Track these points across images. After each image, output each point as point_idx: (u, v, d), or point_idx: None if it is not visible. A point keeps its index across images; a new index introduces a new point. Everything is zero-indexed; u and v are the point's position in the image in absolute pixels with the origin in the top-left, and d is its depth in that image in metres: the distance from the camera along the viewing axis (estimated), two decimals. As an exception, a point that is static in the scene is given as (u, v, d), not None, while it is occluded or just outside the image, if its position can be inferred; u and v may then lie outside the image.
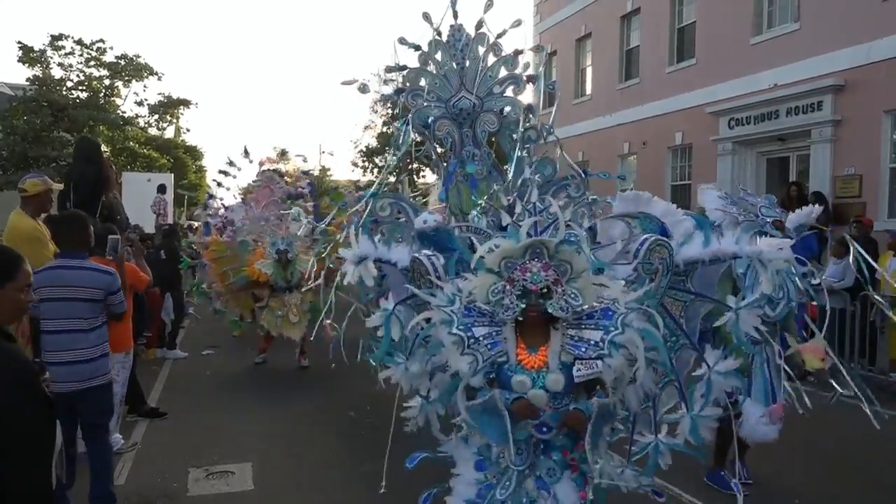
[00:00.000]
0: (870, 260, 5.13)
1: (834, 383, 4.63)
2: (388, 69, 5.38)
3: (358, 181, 25.72)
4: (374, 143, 32.20)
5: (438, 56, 5.36)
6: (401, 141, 5.79)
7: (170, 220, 17.33)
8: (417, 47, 5.39)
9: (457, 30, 5.38)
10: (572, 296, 2.77)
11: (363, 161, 32.69)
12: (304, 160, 12.63)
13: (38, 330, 4.36)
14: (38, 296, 4.25)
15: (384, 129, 31.56)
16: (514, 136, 5.56)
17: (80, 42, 27.46)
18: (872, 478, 5.43)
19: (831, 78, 12.41)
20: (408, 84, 5.41)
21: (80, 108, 26.37)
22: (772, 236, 4.75)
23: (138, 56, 29.20)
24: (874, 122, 11.80)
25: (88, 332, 4.36)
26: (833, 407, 4.75)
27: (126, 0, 77.74)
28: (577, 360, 2.73)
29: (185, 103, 31.87)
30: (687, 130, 16.39)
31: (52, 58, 27.11)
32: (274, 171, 11.15)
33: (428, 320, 2.98)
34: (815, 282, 4.89)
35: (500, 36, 5.48)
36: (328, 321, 5.17)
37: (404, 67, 5.37)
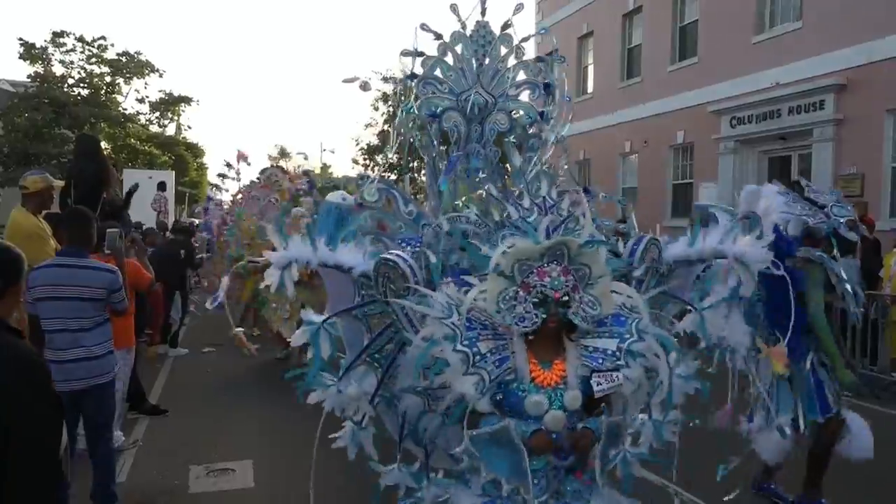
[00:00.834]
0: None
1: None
2: (405, 52, 5.35)
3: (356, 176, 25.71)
4: (375, 140, 32.17)
5: (459, 49, 5.34)
6: (401, 131, 5.71)
7: (171, 218, 17.35)
8: (439, 36, 5.37)
9: (482, 26, 5.38)
10: (590, 304, 2.50)
11: (364, 159, 32.69)
12: (306, 158, 12.71)
13: (36, 328, 4.35)
14: (39, 294, 4.26)
15: (385, 127, 31.55)
16: (514, 139, 5.57)
17: (81, 39, 27.50)
18: (874, 479, 5.42)
19: (833, 77, 12.40)
20: (423, 70, 5.39)
21: (82, 104, 26.42)
22: (846, 239, 4.58)
23: (140, 53, 29.29)
24: (876, 122, 11.78)
25: (91, 329, 4.35)
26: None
27: (127, -3, 77.78)
28: (595, 373, 2.45)
29: (187, 100, 31.91)
30: (688, 129, 16.38)
31: (53, 55, 27.19)
32: (277, 167, 11.20)
33: (411, 339, 2.58)
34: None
35: (524, 40, 5.48)
36: (239, 330, 5.22)
37: (422, 53, 5.35)
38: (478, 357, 2.41)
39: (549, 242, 2.49)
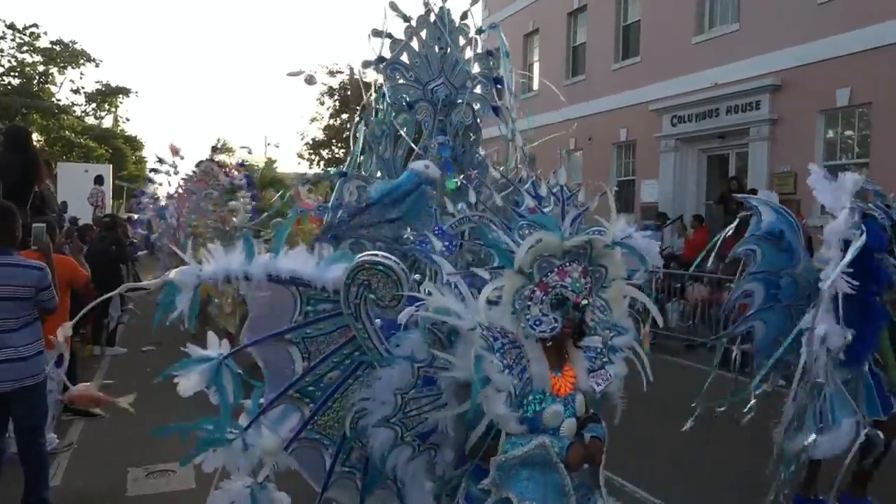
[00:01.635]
0: None
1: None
2: (374, 32, 5.22)
3: (304, 174, 25.42)
4: (320, 135, 31.84)
5: (423, 34, 5.25)
6: (373, 121, 5.57)
7: (108, 213, 16.83)
8: (407, 18, 5.26)
9: (446, 13, 5.28)
10: (601, 308, 2.38)
11: (310, 153, 32.31)
12: (249, 152, 12.49)
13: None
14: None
15: (331, 122, 31.26)
16: (472, 135, 5.53)
17: (11, 27, 26.52)
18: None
19: (769, 78, 12.80)
20: (390, 55, 5.26)
21: (12, 95, 25.43)
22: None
23: (74, 42, 28.42)
24: (808, 122, 12.22)
25: (19, 329, 4.16)
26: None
27: (61, -17, 75.01)
28: (590, 374, 2.38)
29: (125, 92, 31.11)
30: (631, 127, 16.70)
31: (-19, 42, 26.02)
32: (213, 161, 10.95)
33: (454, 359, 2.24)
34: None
35: (478, 32, 5.42)
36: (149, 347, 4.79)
37: (390, 36, 5.24)
38: (505, 370, 2.20)
39: (578, 240, 2.26)
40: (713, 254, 5.14)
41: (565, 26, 19.49)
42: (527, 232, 2.30)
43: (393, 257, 2.26)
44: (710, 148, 15.05)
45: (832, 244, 3.27)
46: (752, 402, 4.19)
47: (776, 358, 3.74)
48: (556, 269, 2.22)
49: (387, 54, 5.16)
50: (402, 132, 5.12)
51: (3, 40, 26.42)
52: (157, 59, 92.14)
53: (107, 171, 20.10)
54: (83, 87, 30.08)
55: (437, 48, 5.20)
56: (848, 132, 12.05)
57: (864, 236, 3.19)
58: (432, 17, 5.22)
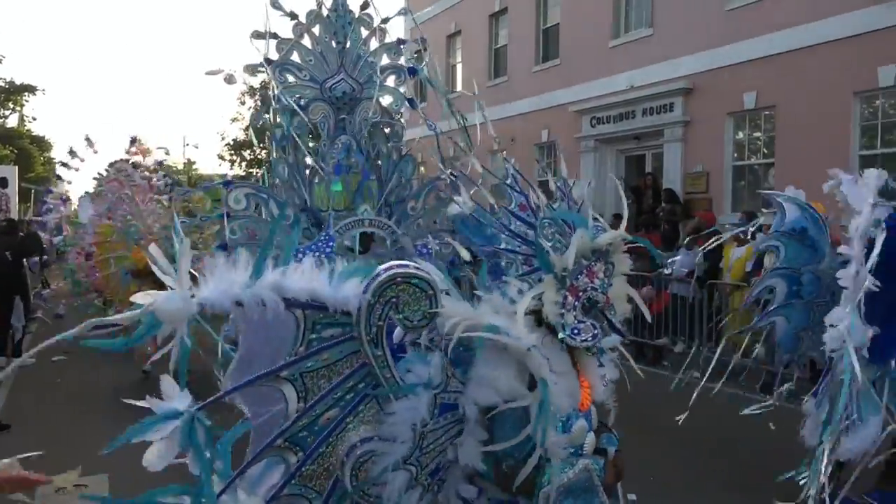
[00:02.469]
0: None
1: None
2: (256, 34, 4.93)
3: (226, 175, 24.83)
4: (241, 135, 31.16)
5: (316, 30, 5.00)
6: (260, 122, 5.39)
7: (13, 216, 15.97)
8: (294, 16, 5.00)
9: (340, 5, 5.05)
10: (610, 308, 2.19)
11: (231, 154, 31.60)
12: (167, 153, 12.05)
13: None
14: None
15: (253, 122, 30.56)
16: (387, 130, 5.40)
17: None
18: (728, 454, 5.86)
19: (681, 81, 13.29)
20: (278, 55, 4.98)
21: None
22: None
23: (-26, 37, 26.74)
24: (718, 124, 12.76)
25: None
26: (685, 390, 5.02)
27: (-41, -26, 70.74)
28: None
29: (31, 89, 29.67)
30: (553, 128, 17.03)
31: None
32: (127, 161, 10.53)
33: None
34: (666, 271, 5.08)
35: (385, 21, 5.20)
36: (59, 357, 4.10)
37: (275, 36, 4.96)
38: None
39: (610, 237, 2.10)
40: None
41: (487, 28, 19.71)
42: (550, 231, 2.13)
43: (428, 266, 1.93)
44: (627, 148, 15.51)
45: (854, 241, 3.14)
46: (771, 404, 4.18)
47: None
48: (584, 271, 2.07)
49: (279, 55, 4.91)
50: (295, 136, 4.91)
51: None
52: (67, 56, 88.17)
53: (11, 172, 19.06)
54: (-16, 85, 28.54)
55: (334, 43, 4.96)
56: (756, 133, 12.64)
57: (884, 233, 3.10)
58: (325, 12, 4.97)
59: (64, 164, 10.63)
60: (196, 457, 1.72)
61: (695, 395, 4.11)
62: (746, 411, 4.27)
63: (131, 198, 9.44)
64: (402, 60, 5.24)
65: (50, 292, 12.40)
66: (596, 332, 2.07)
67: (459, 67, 21.54)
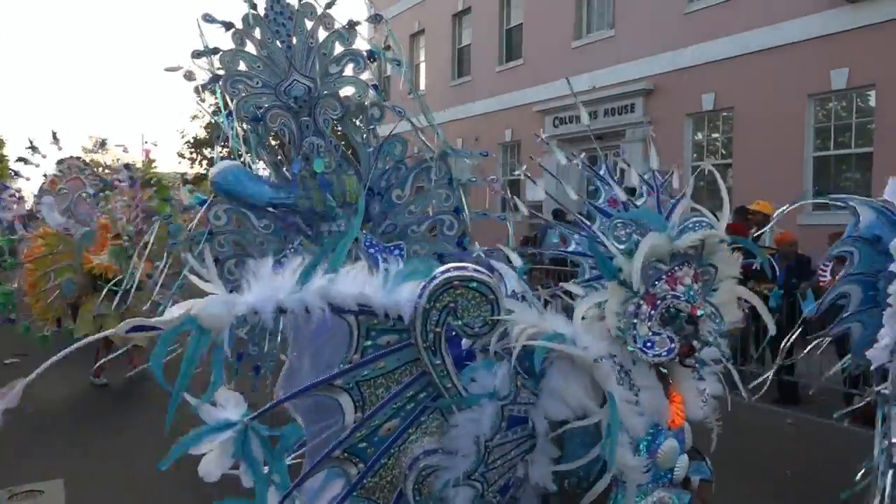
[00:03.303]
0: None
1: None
2: (196, 53, 4.77)
3: (185, 173, 24.45)
4: (202, 133, 30.69)
5: (257, 34, 4.82)
6: (224, 136, 5.32)
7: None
8: (229, 25, 4.80)
9: (275, 1, 4.86)
10: (713, 316, 1.97)
11: (191, 152, 31.10)
12: (125, 150, 11.81)
13: None
14: None
15: (213, 120, 30.12)
16: (359, 121, 5.24)
17: None
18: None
19: (642, 82, 13.49)
20: (224, 70, 4.83)
21: None
22: None
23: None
24: (678, 124, 12.97)
25: None
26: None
27: None
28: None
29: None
30: (516, 128, 17.12)
31: None
32: (77, 158, 10.24)
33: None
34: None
35: (329, 6, 5.00)
36: (13, 359, 3.68)
37: (216, 50, 4.79)
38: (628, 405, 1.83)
39: (692, 238, 1.87)
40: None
41: (450, 27, 19.73)
42: (624, 232, 1.92)
43: (485, 270, 1.77)
44: (590, 148, 15.66)
45: None
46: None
47: None
48: (664, 277, 1.85)
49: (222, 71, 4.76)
50: (251, 147, 4.81)
51: None
52: (19, 50, 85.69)
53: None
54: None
55: (279, 43, 4.80)
56: (714, 134, 12.87)
57: None
58: (262, 11, 4.81)
59: (23, 160, 10.26)
60: (249, 468, 1.63)
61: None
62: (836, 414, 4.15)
63: (92, 196, 9.22)
64: (358, 44, 5.02)
65: None
66: (673, 346, 1.83)
67: (423, 66, 21.52)
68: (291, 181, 4.83)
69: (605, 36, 14.60)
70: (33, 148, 10.13)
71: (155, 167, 31.01)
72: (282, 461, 1.71)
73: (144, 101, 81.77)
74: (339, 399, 1.75)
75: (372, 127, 5.14)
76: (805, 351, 4.27)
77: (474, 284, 1.68)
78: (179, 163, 31.17)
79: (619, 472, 1.77)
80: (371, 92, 5.07)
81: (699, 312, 1.86)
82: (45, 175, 10.85)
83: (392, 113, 5.11)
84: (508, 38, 17.71)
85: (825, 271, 6.06)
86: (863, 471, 3.70)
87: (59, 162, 10.14)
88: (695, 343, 1.88)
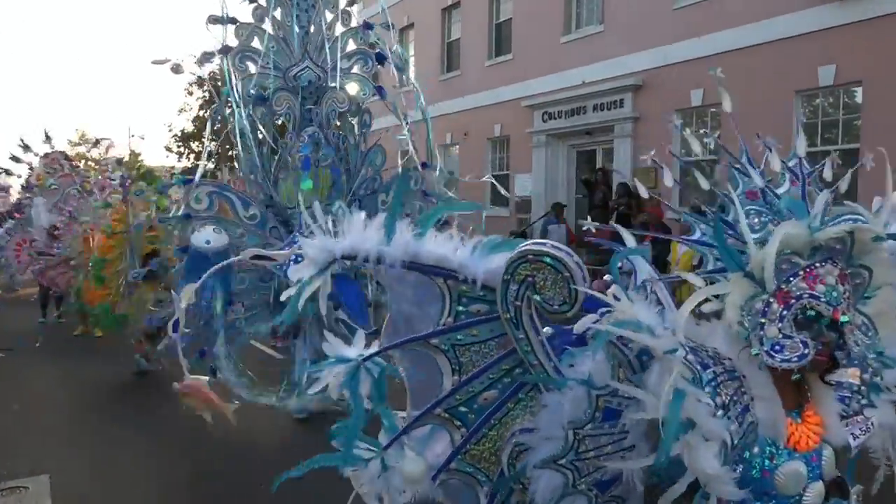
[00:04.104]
0: None
1: None
2: (213, 19, 4.69)
3: (173, 167, 24.32)
4: (189, 126, 30.52)
5: (278, 14, 4.79)
6: (220, 118, 5.23)
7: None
8: None
9: None
10: (863, 327, 1.76)
11: (178, 146, 30.92)
12: (112, 144, 11.73)
13: None
14: None
15: (200, 113, 30.00)
16: (354, 120, 5.23)
17: None
18: None
19: (631, 78, 13.51)
20: (238, 42, 4.73)
21: None
22: None
23: None
24: (667, 120, 12.99)
25: None
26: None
27: None
28: (843, 419, 1.80)
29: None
30: (505, 122, 17.12)
31: None
32: (60, 152, 10.25)
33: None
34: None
35: (351, 3, 5.01)
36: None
37: (234, 20, 4.74)
38: (719, 410, 1.62)
39: (836, 230, 1.63)
40: None
41: (440, 22, 19.70)
42: (758, 220, 1.78)
43: (565, 248, 1.69)
44: (578, 143, 15.70)
45: None
46: None
47: None
48: (801, 273, 1.62)
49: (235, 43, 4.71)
50: (260, 128, 4.75)
51: None
52: (4, 43, 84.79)
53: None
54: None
55: (297, 28, 4.78)
56: (703, 130, 12.91)
57: None
58: None
59: (15, 158, 10.25)
60: (352, 400, 1.77)
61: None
62: None
63: (81, 192, 9.19)
64: (368, 46, 5.03)
65: None
66: (806, 352, 1.61)
67: (412, 61, 21.47)
68: (304, 163, 4.73)
69: (594, 31, 14.62)
70: (25, 147, 10.12)
71: (141, 161, 30.78)
72: (387, 409, 1.84)
73: (131, 95, 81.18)
74: (437, 359, 1.82)
75: (364, 131, 5.15)
76: None
77: (548, 259, 1.64)
78: (167, 157, 31.02)
79: (703, 481, 1.59)
80: (372, 96, 5.09)
81: (843, 318, 1.60)
82: (30, 168, 10.79)
83: (390, 109, 5.10)
84: (498, 32, 17.70)
85: None
86: None
87: (45, 156, 10.12)
88: (838, 354, 1.62)
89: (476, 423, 1.83)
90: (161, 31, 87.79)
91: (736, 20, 11.55)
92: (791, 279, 1.62)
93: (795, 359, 1.61)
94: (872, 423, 1.80)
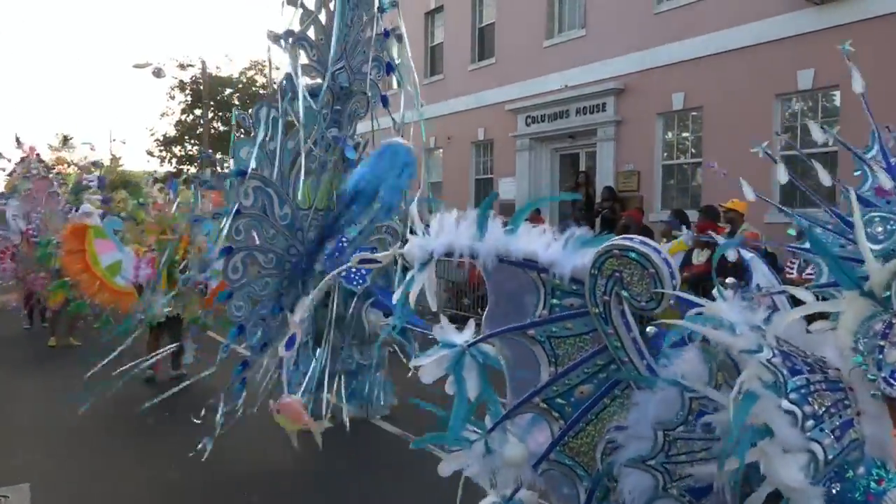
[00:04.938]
0: None
1: None
2: (290, 0, 4.68)
3: (154, 172, 24.11)
4: (171, 131, 30.31)
5: (332, 6, 4.81)
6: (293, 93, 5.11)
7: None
8: None
9: None
10: None
11: (160, 150, 30.69)
12: (92, 148, 11.68)
13: None
14: None
15: (183, 118, 29.83)
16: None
17: None
18: None
19: (613, 82, 13.57)
20: (300, 28, 4.70)
21: None
22: None
23: None
24: (649, 124, 13.09)
25: None
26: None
27: None
28: None
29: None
30: (489, 126, 17.15)
31: None
32: (37, 156, 10.19)
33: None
34: None
35: (381, 11, 5.05)
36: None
37: (303, 6, 4.77)
38: (809, 420, 1.48)
39: None
40: None
41: (423, 26, 19.70)
42: (883, 229, 1.70)
43: (652, 243, 1.68)
44: (561, 147, 15.75)
45: None
46: None
47: None
48: None
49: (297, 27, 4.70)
50: (297, 122, 4.65)
51: None
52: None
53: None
54: None
55: (344, 24, 4.76)
56: (684, 133, 13.02)
57: None
58: None
59: None
60: (455, 384, 1.84)
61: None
62: None
63: (57, 196, 9.14)
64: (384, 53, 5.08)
65: None
66: None
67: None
68: (350, 161, 4.66)
69: (577, 36, 14.68)
70: None
71: (121, 166, 30.55)
72: (493, 395, 1.91)
73: (113, 99, 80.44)
74: (534, 350, 1.87)
75: (363, 141, 5.18)
76: None
77: (633, 255, 1.64)
78: (148, 161, 30.82)
79: (786, 494, 1.48)
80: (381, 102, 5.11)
81: None
82: (9, 174, 10.71)
83: (391, 117, 5.14)
84: (481, 36, 17.73)
85: (792, 268, 6.16)
86: None
87: (21, 161, 10.06)
88: None
89: (573, 417, 1.86)
90: (143, 35, 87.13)
91: (716, 24, 11.65)
92: None
93: None
94: None
